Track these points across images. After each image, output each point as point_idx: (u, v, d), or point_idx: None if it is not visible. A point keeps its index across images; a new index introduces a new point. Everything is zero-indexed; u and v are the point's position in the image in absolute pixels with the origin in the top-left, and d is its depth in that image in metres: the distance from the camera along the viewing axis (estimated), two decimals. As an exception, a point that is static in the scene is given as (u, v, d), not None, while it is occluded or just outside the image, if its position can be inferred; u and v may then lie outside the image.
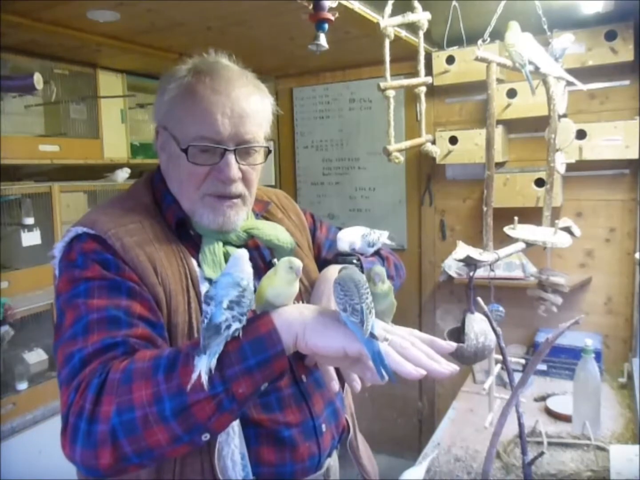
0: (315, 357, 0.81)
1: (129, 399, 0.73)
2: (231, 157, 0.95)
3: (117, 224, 0.92)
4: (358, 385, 0.88)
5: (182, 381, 0.72)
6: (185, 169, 0.96)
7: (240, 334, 0.75)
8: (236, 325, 0.74)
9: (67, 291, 0.87)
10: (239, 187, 0.99)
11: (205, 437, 0.76)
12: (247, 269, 0.78)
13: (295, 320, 0.77)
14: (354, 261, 1.13)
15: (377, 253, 1.24)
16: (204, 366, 0.71)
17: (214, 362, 0.72)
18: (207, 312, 0.74)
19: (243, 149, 0.97)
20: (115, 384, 0.74)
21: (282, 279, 0.79)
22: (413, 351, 0.75)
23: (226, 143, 0.95)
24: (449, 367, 0.75)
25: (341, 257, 1.15)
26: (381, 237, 1.23)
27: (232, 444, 0.89)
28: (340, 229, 1.30)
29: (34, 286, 1.97)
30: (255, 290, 0.80)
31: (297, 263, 0.79)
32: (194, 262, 0.96)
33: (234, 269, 0.77)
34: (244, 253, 0.80)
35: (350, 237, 1.17)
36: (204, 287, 0.93)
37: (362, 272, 1.10)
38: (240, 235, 1.03)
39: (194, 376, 0.71)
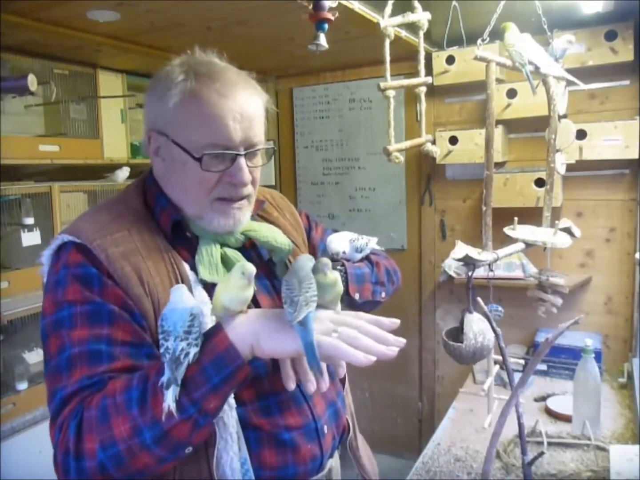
0: (273, 356, 0.84)
1: (110, 435, 0.77)
2: (243, 162, 0.95)
3: (103, 233, 0.91)
4: (293, 383, 0.88)
5: (155, 412, 0.76)
6: (195, 175, 0.94)
7: (199, 355, 0.79)
8: (193, 351, 0.78)
9: (51, 314, 0.88)
10: (248, 189, 0.99)
11: (189, 450, 0.81)
12: (190, 299, 0.82)
13: (247, 331, 0.80)
14: (338, 267, 1.12)
15: (367, 259, 1.23)
16: (171, 397, 0.75)
17: (177, 389, 0.76)
18: (169, 348, 0.77)
19: (251, 151, 0.97)
20: (93, 422, 0.78)
21: (235, 285, 0.81)
22: (362, 340, 0.80)
23: (237, 148, 0.94)
24: (395, 346, 0.81)
25: None
26: (370, 243, 1.22)
27: (230, 452, 0.89)
28: (336, 230, 1.30)
29: (34, 286, 1.96)
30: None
31: (250, 269, 0.81)
32: (186, 266, 0.95)
33: (179, 302, 0.80)
34: (181, 286, 0.83)
35: (340, 241, 1.17)
36: (197, 291, 0.92)
37: (347, 278, 1.12)
38: (237, 237, 1.02)
39: (165, 407, 0.75)
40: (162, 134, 0.96)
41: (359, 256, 1.19)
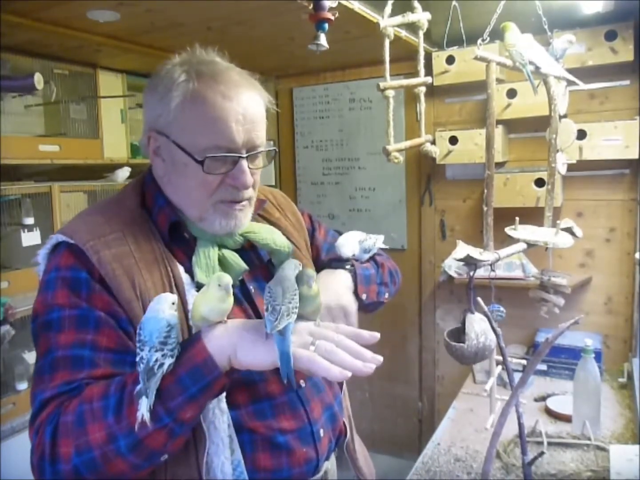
0: (250, 367, 0.83)
1: (86, 441, 0.77)
2: (245, 164, 0.94)
3: (97, 234, 0.90)
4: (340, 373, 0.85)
5: (130, 421, 0.77)
6: (197, 178, 0.93)
7: (174, 366, 0.79)
8: (168, 362, 0.78)
9: (41, 315, 0.88)
10: (250, 191, 0.98)
11: (164, 457, 0.82)
12: (168, 310, 0.81)
13: (224, 343, 0.80)
14: (347, 267, 1.12)
15: (372, 259, 1.22)
16: (145, 406, 0.76)
17: (152, 398, 0.76)
18: (143, 357, 0.77)
19: (254, 154, 0.96)
20: (69, 427, 0.78)
21: (214, 296, 0.81)
22: (339, 355, 0.79)
23: (240, 150, 0.93)
24: (372, 363, 0.80)
25: (335, 263, 1.14)
26: (377, 242, 1.22)
27: (222, 456, 0.89)
28: (338, 232, 1.29)
29: (34, 286, 1.91)
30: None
31: (226, 280, 0.81)
32: (180, 268, 0.94)
33: (156, 311, 0.80)
34: (166, 295, 0.83)
35: (350, 244, 1.16)
36: (190, 295, 0.92)
37: (356, 279, 1.11)
38: (236, 239, 1.02)
39: (138, 416, 0.76)
40: (162, 134, 0.95)
41: (366, 256, 1.19)
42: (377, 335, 0.85)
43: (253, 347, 0.79)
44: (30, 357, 2.03)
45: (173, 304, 0.82)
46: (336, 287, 1.06)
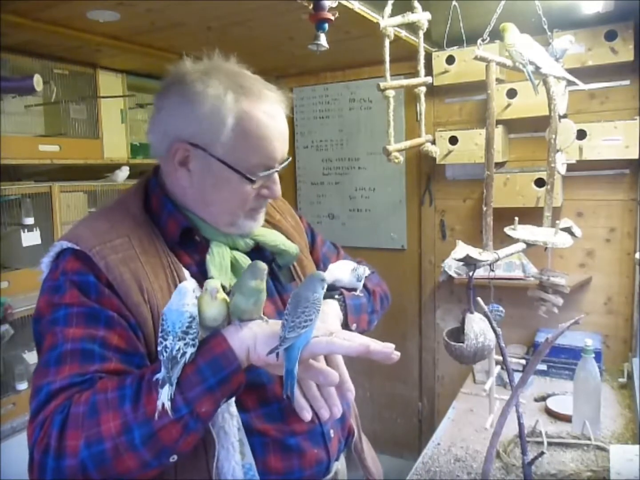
0: (268, 367, 0.83)
1: (98, 432, 0.75)
2: (277, 176, 1.01)
3: (103, 239, 0.90)
4: (308, 414, 0.86)
5: (148, 409, 0.76)
6: (239, 192, 0.97)
7: (195, 357, 0.79)
8: (190, 351, 0.79)
9: (47, 314, 0.87)
10: None
11: (173, 458, 0.79)
12: (190, 299, 0.82)
13: (245, 336, 0.81)
14: (336, 296, 1.12)
15: (364, 286, 1.21)
16: (166, 395, 0.76)
17: (173, 387, 0.77)
18: (167, 347, 0.78)
19: (283, 166, 1.01)
20: (80, 418, 0.76)
21: (205, 302, 0.83)
22: (358, 338, 0.81)
23: (276, 164, 0.99)
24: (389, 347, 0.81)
25: (326, 293, 1.14)
26: (365, 272, 1.20)
27: (232, 461, 0.89)
28: (334, 244, 1.32)
29: (34, 286, 1.92)
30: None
31: (210, 285, 0.83)
32: (186, 273, 0.95)
33: (179, 302, 0.81)
34: (187, 285, 0.83)
35: (337, 273, 1.15)
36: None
37: (345, 307, 1.10)
38: (247, 241, 1.04)
39: (159, 404, 0.75)
40: (197, 147, 0.94)
41: (360, 285, 1.17)
42: (392, 346, 0.83)
43: (274, 341, 0.79)
44: (30, 357, 2.03)
45: (194, 291, 0.82)
46: (323, 316, 1.03)
